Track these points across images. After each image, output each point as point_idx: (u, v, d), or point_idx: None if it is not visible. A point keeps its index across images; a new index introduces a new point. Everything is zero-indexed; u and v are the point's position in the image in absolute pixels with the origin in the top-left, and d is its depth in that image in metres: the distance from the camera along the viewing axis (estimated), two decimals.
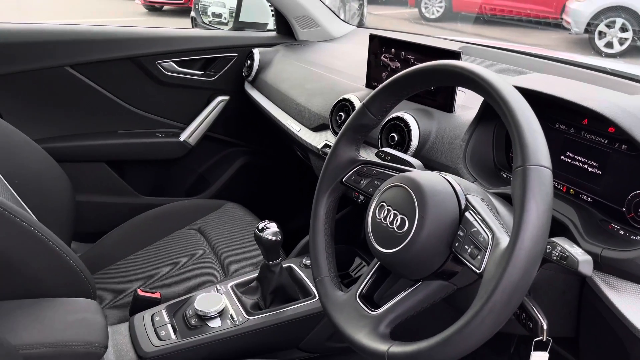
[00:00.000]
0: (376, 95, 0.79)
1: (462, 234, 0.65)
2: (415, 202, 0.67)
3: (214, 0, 2.07)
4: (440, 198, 0.67)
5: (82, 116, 1.66)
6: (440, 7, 8.56)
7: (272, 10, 1.85)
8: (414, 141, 1.03)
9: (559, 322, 0.82)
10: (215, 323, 1.07)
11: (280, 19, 1.77)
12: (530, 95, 0.77)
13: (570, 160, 0.84)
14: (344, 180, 0.85)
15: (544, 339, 0.68)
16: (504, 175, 0.93)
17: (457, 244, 0.65)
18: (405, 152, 1.03)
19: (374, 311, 0.72)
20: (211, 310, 1.08)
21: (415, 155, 1.03)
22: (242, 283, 1.19)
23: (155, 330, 1.06)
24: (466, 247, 0.64)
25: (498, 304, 0.55)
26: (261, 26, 1.90)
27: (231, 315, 1.09)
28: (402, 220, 0.68)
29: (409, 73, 0.74)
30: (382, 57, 1.20)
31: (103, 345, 0.95)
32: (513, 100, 0.61)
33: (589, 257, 0.62)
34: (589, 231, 0.76)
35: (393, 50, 1.18)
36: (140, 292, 1.19)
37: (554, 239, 0.65)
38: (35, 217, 1.05)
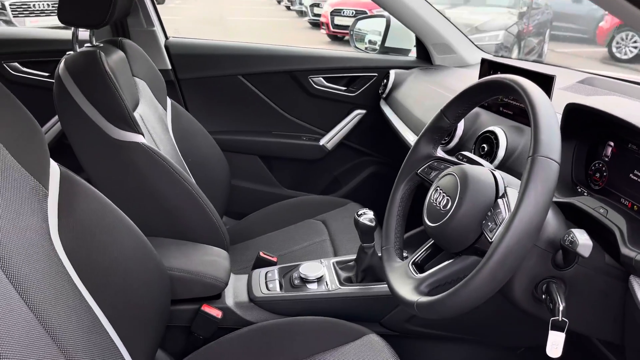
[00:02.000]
0: (451, 102, 0.95)
1: (489, 214, 0.78)
2: (459, 186, 0.82)
3: (371, 29, 2.33)
4: (480, 185, 0.81)
5: (245, 116, 2.03)
6: (635, 46, 7.84)
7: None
8: (500, 152, 1.14)
9: (602, 325, 0.88)
10: (313, 286, 1.29)
11: (420, 45, 1.96)
12: (602, 116, 0.86)
13: (637, 179, 0.90)
14: (418, 172, 1.01)
15: (560, 319, 0.77)
16: (579, 189, 1.00)
17: (484, 222, 0.79)
18: (491, 162, 1.15)
19: (419, 274, 0.88)
20: (311, 275, 1.31)
21: (499, 166, 1.14)
22: (342, 261, 1.40)
23: (266, 283, 1.32)
24: (489, 224, 0.77)
25: (494, 264, 0.68)
26: (404, 51, 2.11)
27: (327, 282, 1.30)
28: (447, 201, 0.83)
29: (473, 85, 0.89)
30: None
31: (224, 281, 1.24)
32: (538, 102, 0.73)
33: (589, 242, 0.71)
34: (633, 240, 0.82)
35: (499, 72, 1.30)
36: (261, 254, 1.47)
37: (572, 229, 0.74)
38: (196, 185, 1.39)
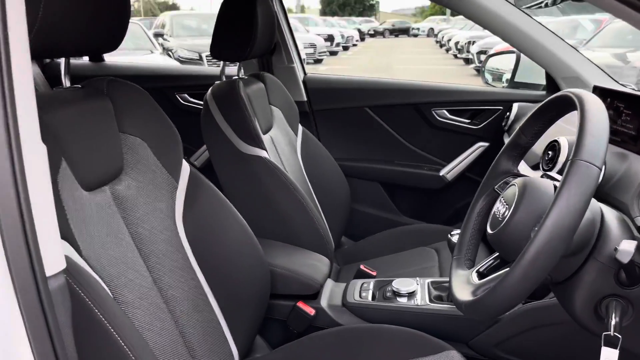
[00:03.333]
0: (527, 120, 0.98)
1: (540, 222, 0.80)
2: (517, 195, 0.85)
3: (508, 69, 2.33)
4: (537, 194, 0.83)
5: (370, 145, 2.17)
6: None
7: None
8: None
9: None
10: (403, 300, 1.35)
11: (550, 79, 1.93)
12: None
13: None
14: (495, 187, 1.04)
15: (612, 334, 0.75)
16: None
17: (535, 229, 0.80)
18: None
19: (479, 281, 0.91)
20: (403, 289, 1.37)
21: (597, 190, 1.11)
22: (438, 281, 1.44)
23: (360, 292, 1.41)
24: (535, 228, 0.79)
25: (525, 264, 0.71)
26: (535, 86, 2.08)
27: (417, 297, 1.35)
28: (505, 209, 0.86)
29: (544, 102, 0.92)
30: None
31: (319, 283, 1.37)
32: (590, 107, 0.74)
33: (630, 249, 0.69)
34: None
35: (608, 99, 1.26)
36: (362, 267, 1.57)
37: (626, 242, 0.73)
38: (307, 198, 1.56)
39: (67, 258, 0.78)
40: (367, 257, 1.89)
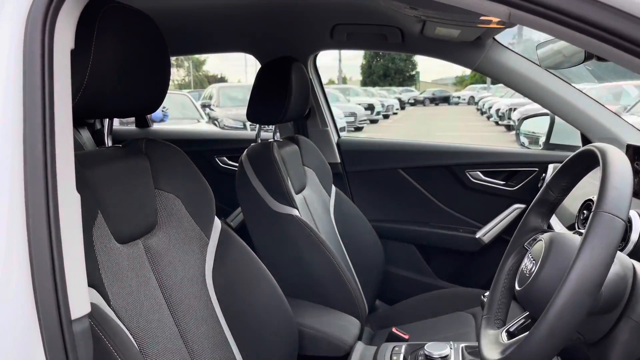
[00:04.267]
0: (554, 176, 0.97)
1: None
2: (543, 250, 0.83)
3: (543, 132, 2.31)
4: (565, 249, 0.81)
5: (403, 206, 2.17)
6: None
7: None
8: (634, 235, 1.08)
9: None
10: None
11: (586, 140, 1.90)
12: None
13: None
14: (525, 244, 1.02)
15: None
16: None
17: None
18: (623, 248, 1.09)
19: (508, 340, 0.87)
20: (435, 353, 1.32)
21: (633, 253, 1.07)
22: (472, 346, 1.38)
23: (391, 355, 1.36)
24: None
25: (550, 319, 0.68)
26: (571, 148, 2.05)
27: None
28: (533, 265, 0.84)
29: (569, 157, 0.91)
30: (634, 165, 1.27)
31: (349, 344, 1.34)
32: (613, 160, 0.73)
33: None
34: None
35: None
36: (394, 330, 1.52)
37: None
38: (339, 259, 1.56)
39: (95, 306, 0.81)
40: (401, 322, 1.84)
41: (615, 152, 0.77)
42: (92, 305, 0.80)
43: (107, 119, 1.07)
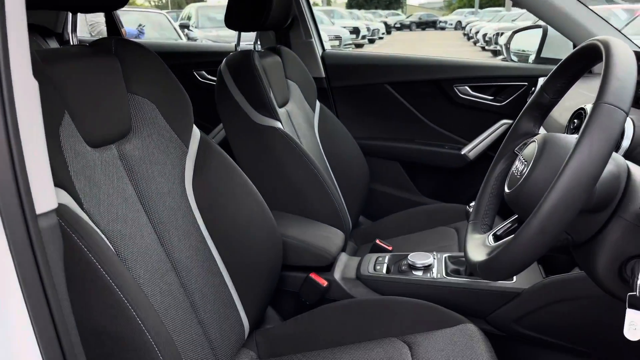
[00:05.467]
0: (550, 77, 0.93)
1: None
2: (536, 150, 0.80)
3: (534, 49, 2.22)
4: (559, 149, 0.78)
5: (389, 123, 2.12)
6: None
7: None
8: (625, 142, 1.05)
9: None
10: (419, 273, 1.31)
11: None
12: None
13: None
14: (516, 149, 0.99)
15: (638, 295, 0.70)
16: None
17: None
18: (616, 151, 1.06)
19: (495, 243, 0.86)
20: (419, 262, 1.32)
21: (625, 156, 1.04)
22: (455, 256, 1.39)
23: (374, 265, 1.37)
24: None
25: (542, 215, 0.66)
26: None
27: (433, 271, 1.31)
28: (524, 166, 0.81)
29: (568, 56, 0.86)
30: None
31: (332, 255, 1.33)
32: (616, 52, 0.68)
33: None
34: None
35: None
36: (378, 242, 1.53)
37: None
38: (323, 172, 1.52)
39: (65, 207, 0.77)
40: (385, 236, 1.85)
41: (619, 44, 0.71)
42: (63, 206, 0.76)
43: (71, 15, 0.98)
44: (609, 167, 0.75)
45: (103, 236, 0.83)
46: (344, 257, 1.43)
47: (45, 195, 0.60)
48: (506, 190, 0.85)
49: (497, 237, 0.90)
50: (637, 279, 0.70)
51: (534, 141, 0.83)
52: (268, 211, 1.24)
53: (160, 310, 0.91)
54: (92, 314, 0.74)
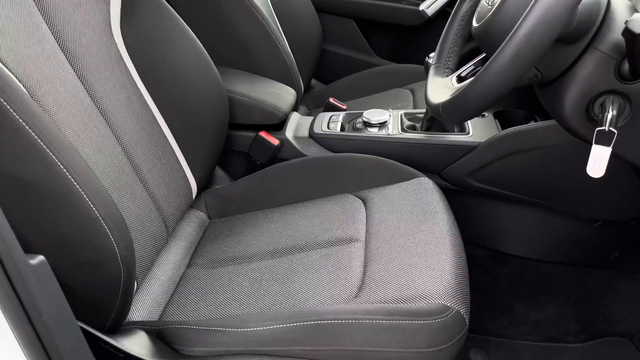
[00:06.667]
0: None
1: None
2: None
3: None
4: None
5: None
6: None
7: None
8: None
9: None
10: (374, 130, 1.26)
11: None
12: None
13: None
14: None
15: (607, 129, 0.66)
16: None
17: None
18: None
19: (459, 84, 0.80)
20: (374, 119, 1.27)
21: None
22: (411, 112, 1.34)
23: (328, 124, 1.30)
24: None
25: (519, 38, 0.59)
26: None
27: (388, 127, 1.26)
28: None
29: None
30: None
31: (284, 112, 1.26)
32: None
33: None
34: None
35: None
36: (331, 100, 1.45)
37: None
38: (273, 25, 1.38)
39: None
40: (339, 99, 1.77)
41: None
42: None
43: None
44: None
45: (12, 76, 0.71)
46: (295, 116, 1.35)
47: None
48: (474, 25, 0.77)
49: (461, 79, 0.84)
50: (608, 113, 0.66)
51: None
52: (211, 63, 1.13)
53: (90, 161, 0.81)
54: (13, 162, 0.64)
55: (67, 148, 0.67)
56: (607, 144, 0.67)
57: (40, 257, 0.54)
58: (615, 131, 0.66)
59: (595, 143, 0.68)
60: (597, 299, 1.25)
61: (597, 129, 0.67)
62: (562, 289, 1.27)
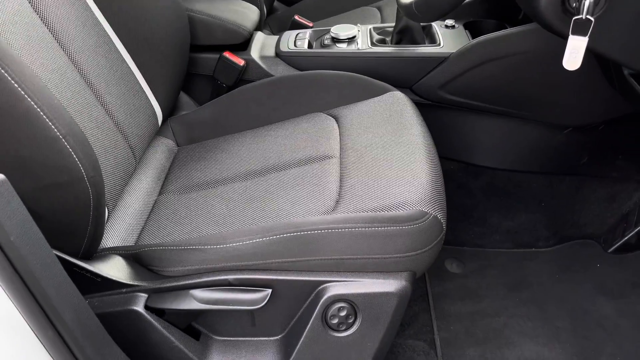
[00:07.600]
0: None
1: None
2: None
3: None
4: None
5: None
6: None
7: None
8: None
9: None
10: (342, 45, 1.22)
11: None
12: None
13: None
14: None
15: (584, 18, 0.64)
16: None
17: None
18: None
19: None
20: (342, 34, 1.22)
21: None
22: (380, 27, 1.29)
23: (295, 41, 1.25)
24: None
25: None
26: None
27: (358, 42, 1.21)
28: None
29: None
30: None
31: (248, 30, 1.21)
32: None
33: None
34: None
35: None
36: (296, 17, 1.39)
37: None
38: None
39: None
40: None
41: None
42: None
43: None
44: None
45: None
46: (260, 35, 1.29)
47: None
48: None
49: None
50: (585, 0, 0.64)
51: None
52: None
53: (52, 88, 0.76)
54: None
55: (19, 64, 0.62)
56: (583, 34, 0.65)
57: (1, 176, 0.51)
58: (593, 19, 0.64)
59: (572, 34, 0.66)
60: (566, 204, 1.28)
61: (574, 18, 0.65)
62: (533, 196, 1.29)
